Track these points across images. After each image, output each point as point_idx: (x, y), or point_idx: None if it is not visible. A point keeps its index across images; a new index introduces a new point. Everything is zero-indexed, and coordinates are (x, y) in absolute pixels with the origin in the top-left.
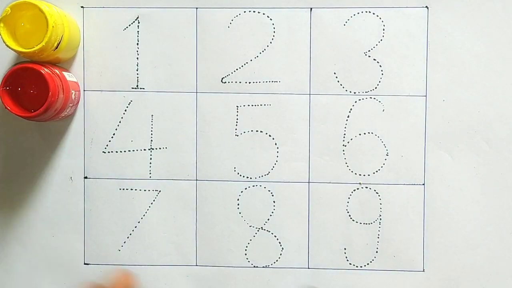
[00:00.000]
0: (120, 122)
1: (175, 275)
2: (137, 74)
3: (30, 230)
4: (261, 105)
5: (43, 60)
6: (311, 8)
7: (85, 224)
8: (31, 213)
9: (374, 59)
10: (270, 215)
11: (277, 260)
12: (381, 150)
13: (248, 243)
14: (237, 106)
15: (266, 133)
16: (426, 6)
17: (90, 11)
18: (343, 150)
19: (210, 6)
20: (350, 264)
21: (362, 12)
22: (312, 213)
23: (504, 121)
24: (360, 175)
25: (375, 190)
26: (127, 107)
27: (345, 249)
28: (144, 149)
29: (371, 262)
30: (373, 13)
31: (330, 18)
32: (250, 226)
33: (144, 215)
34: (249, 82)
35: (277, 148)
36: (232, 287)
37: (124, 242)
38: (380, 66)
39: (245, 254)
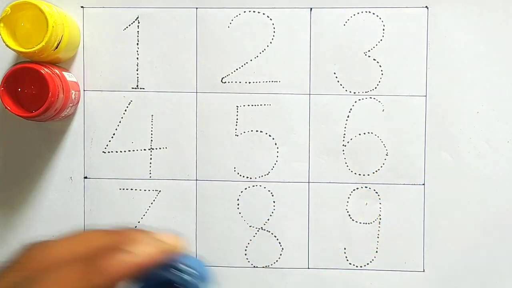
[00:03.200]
0: (120, 122)
1: None
2: (137, 74)
3: (30, 230)
4: (261, 105)
5: (43, 60)
6: (311, 8)
7: (85, 224)
8: (31, 213)
9: (374, 59)
10: (270, 215)
11: (277, 260)
12: (381, 150)
13: (248, 243)
14: (237, 106)
15: (266, 133)
16: (426, 6)
17: (90, 11)
18: (343, 150)
19: (210, 6)
20: (350, 264)
21: (362, 12)
22: (312, 213)
23: (504, 121)
24: (360, 175)
25: (375, 190)
26: (127, 107)
27: (345, 249)
28: (144, 149)
29: (371, 262)
30: (373, 13)
31: (330, 18)
32: (250, 226)
33: (144, 215)
34: (249, 82)
35: (277, 148)
36: (232, 287)
37: None
38: (380, 66)
39: (245, 254)
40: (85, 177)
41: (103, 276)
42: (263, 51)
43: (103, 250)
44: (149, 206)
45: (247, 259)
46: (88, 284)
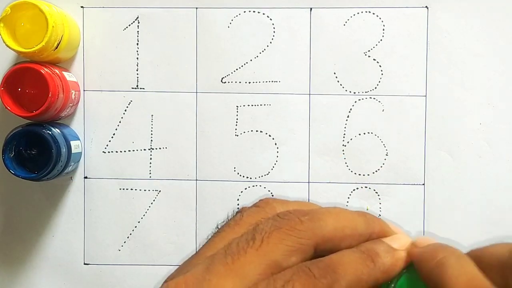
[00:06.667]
0: (120, 122)
1: None
2: (137, 74)
3: (30, 230)
4: (261, 105)
5: (43, 60)
6: (311, 8)
7: (85, 224)
8: (31, 213)
9: (374, 59)
10: None
11: None
12: (381, 150)
13: None
14: (237, 106)
15: (266, 133)
16: (426, 6)
17: (90, 11)
18: (343, 150)
19: (210, 6)
20: None
21: (362, 12)
22: None
23: (504, 121)
24: (360, 175)
25: (375, 190)
26: (127, 107)
27: None
28: (144, 149)
29: None
30: (373, 13)
31: (330, 18)
32: None
33: (144, 215)
34: (249, 82)
35: (277, 148)
36: None
37: (124, 242)
38: (380, 66)
39: None
40: (85, 177)
41: (382, 272)
42: (263, 51)
43: (370, 243)
44: (149, 206)
45: None
46: (372, 278)
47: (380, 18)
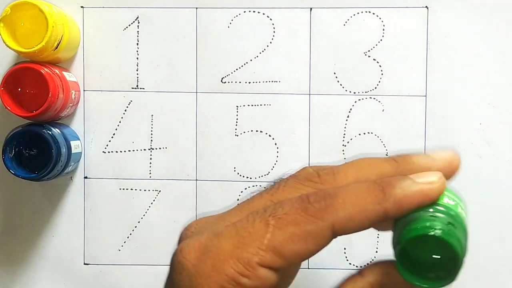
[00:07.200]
0: (120, 122)
1: None
2: (137, 74)
3: (30, 230)
4: (261, 105)
5: (43, 60)
6: (311, 8)
7: (85, 224)
8: (31, 213)
9: (374, 59)
10: None
11: None
12: (381, 150)
13: None
14: (237, 106)
15: (266, 133)
16: (426, 6)
17: (90, 11)
18: (343, 150)
19: (210, 6)
20: (350, 264)
21: (362, 12)
22: None
23: (504, 121)
24: None
25: None
26: (127, 107)
27: (345, 249)
28: (144, 149)
29: (371, 262)
30: (373, 13)
31: (330, 18)
32: None
33: (144, 215)
34: (249, 82)
35: (277, 148)
36: None
37: (124, 242)
38: (380, 66)
39: None
40: (85, 177)
41: (393, 203)
42: (263, 51)
43: (390, 177)
44: (149, 206)
45: None
46: (378, 207)
47: (380, 18)
